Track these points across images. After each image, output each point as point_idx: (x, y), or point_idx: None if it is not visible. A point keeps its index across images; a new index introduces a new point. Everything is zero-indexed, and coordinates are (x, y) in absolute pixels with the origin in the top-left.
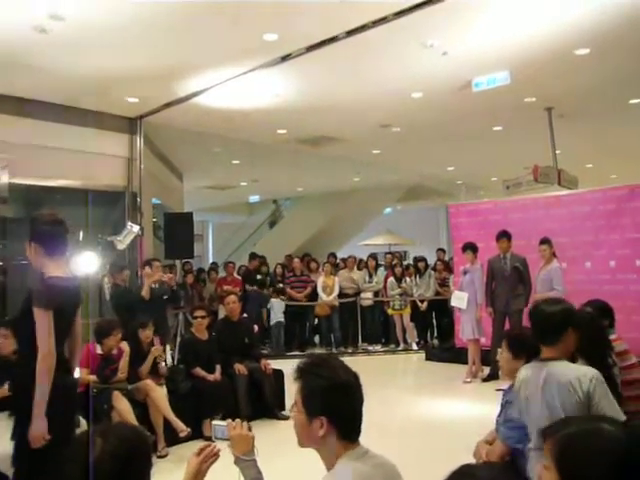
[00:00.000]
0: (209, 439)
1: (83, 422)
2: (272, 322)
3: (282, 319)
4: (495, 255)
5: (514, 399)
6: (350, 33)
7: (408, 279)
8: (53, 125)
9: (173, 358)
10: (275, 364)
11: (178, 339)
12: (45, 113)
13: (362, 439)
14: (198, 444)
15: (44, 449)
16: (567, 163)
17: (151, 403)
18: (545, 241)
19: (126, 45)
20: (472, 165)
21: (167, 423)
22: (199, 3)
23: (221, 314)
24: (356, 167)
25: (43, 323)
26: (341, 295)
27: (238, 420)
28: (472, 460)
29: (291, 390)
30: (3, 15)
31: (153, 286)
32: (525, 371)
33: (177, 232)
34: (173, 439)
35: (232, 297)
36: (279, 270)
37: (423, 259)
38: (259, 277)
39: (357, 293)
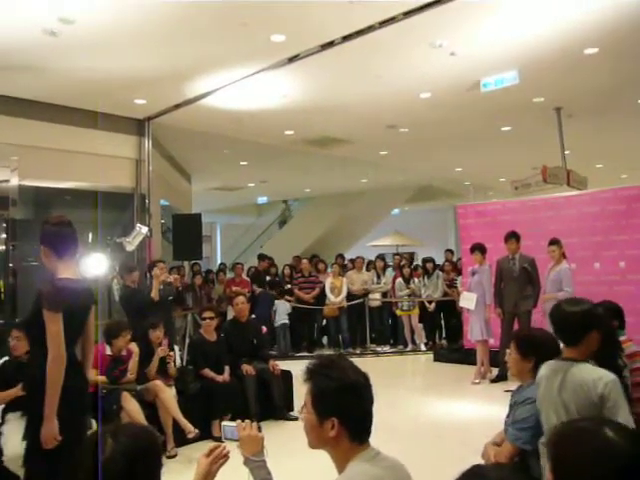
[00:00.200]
0: (218, 440)
1: (94, 423)
2: (276, 324)
3: (287, 321)
4: (504, 256)
5: (526, 398)
6: (358, 34)
7: (416, 280)
8: (62, 127)
9: (182, 359)
10: (282, 365)
11: (187, 340)
12: (54, 115)
13: (371, 440)
14: (207, 445)
15: (56, 450)
16: (576, 163)
17: (160, 404)
18: (554, 242)
19: (134, 47)
20: (480, 166)
21: (176, 423)
22: (206, 5)
23: (230, 315)
24: (364, 168)
25: (53, 325)
26: (349, 296)
27: (248, 421)
28: (480, 461)
29: (300, 391)
30: (13, 18)
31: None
32: (545, 369)
33: (185, 233)
34: (182, 439)
35: (241, 298)
36: (287, 271)
37: (431, 260)
38: (268, 278)
39: (365, 294)
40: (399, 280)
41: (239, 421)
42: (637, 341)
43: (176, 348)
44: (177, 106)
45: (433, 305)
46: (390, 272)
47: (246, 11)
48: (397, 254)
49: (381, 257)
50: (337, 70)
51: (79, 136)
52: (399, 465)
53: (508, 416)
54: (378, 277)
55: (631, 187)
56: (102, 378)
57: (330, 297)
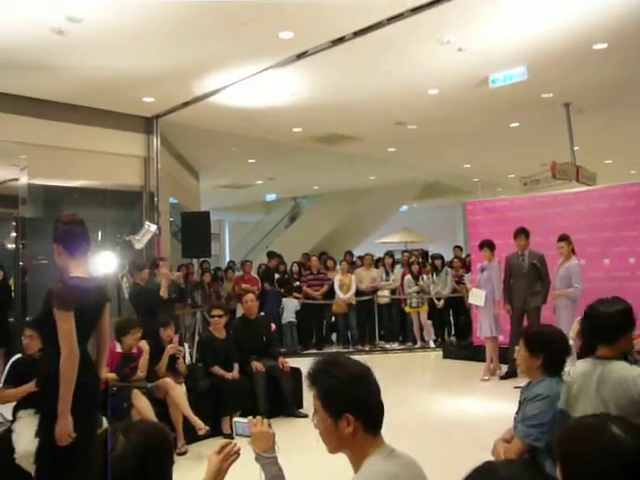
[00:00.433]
0: (228, 436)
1: (105, 421)
2: (284, 321)
3: (294, 319)
4: (513, 252)
5: (536, 394)
6: (366, 30)
7: (425, 277)
8: (70, 126)
9: (191, 356)
10: (291, 362)
11: (196, 338)
12: (62, 114)
13: None
14: (217, 442)
15: (69, 447)
16: (585, 159)
17: (170, 401)
18: (563, 238)
19: (142, 45)
20: (489, 162)
21: (186, 421)
22: (214, 2)
23: (239, 312)
24: (372, 165)
25: (64, 324)
26: (358, 293)
27: (259, 417)
28: (490, 458)
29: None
30: (21, 17)
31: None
32: (580, 367)
33: (194, 231)
34: (192, 437)
35: (250, 295)
36: (295, 268)
37: (440, 257)
38: (277, 276)
39: (374, 291)
40: (408, 277)
41: (250, 417)
42: None
43: (185, 345)
44: (185, 104)
45: (442, 302)
46: (399, 269)
47: (254, 8)
48: (406, 251)
49: (390, 254)
50: (345, 67)
51: (88, 134)
52: (414, 463)
53: (517, 413)
54: (387, 274)
55: None
56: (112, 375)
57: (339, 294)
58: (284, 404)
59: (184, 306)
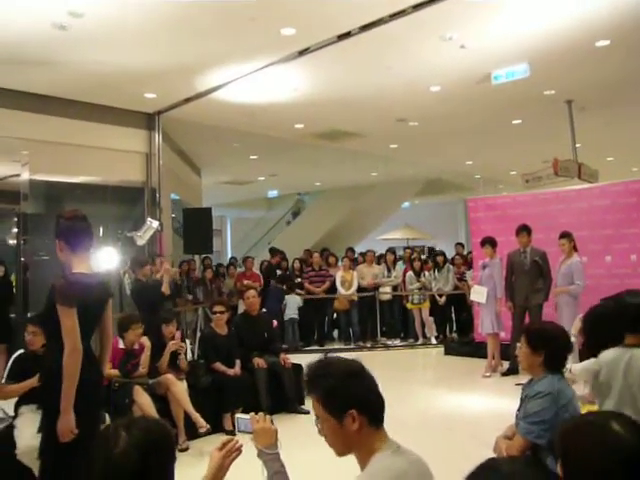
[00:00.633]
0: (230, 433)
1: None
2: (286, 318)
3: (296, 315)
4: (515, 249)
5: (538, 391)
6: (368, 27)
7: (427, 273)
8: (72, 122)
9: (193, 353)
10: (292, 359)
11: (198, 334)
12: (64, 110)
13: None
14: (219, 438)
15: (72, 443)
16: (587, 156)
17: (172, 397)
18: (564, 235)
19: (144, 41)
20: (491, 159)
21: (188, 417)
22: None
23: (241, 309)
24: (374, 162)
25: (67, 320)
26: (360, 290)
27: (261, 413)
28: (491, 455)
29: None
30: (23, 12)
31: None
32: (608, 355)
33: (196, 227)
34: (194, 433)
35: (252, 292)
36: (297, 265)
37: (442, 253)
38: (279, 272)
39: (376, 288)
40: (410, 273)
41: (253, 413)
42: None
43: (187, 342)
44: (187, 100)
45: (444, 298)
46: (400, 266)
47: (256, 5)
48: (408, 247)
49: (391, 250)
50: (347, 63)
51: (89, 130)
52: (421, 460)
53: (519, 410)
54: (388, 270)
55: None
56: (115, 372)
57: (341, 291)
58: (286, 400)
59: (185, 302)
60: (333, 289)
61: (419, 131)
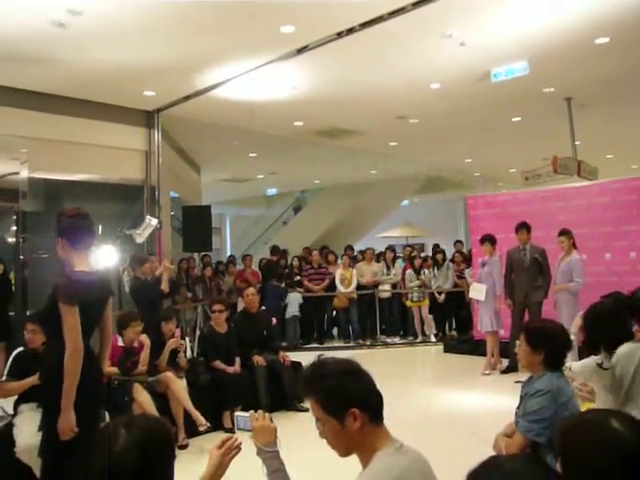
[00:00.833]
0: (229, 431)
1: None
2: (288, 316)
3: (298, 313)
4: (514, 247)
5: (537, 390)
6: (367, 24)
7: (426, 271)
8: (71, 119)
9: (192, 350)
10: (292, 357)
11: (197, 332)
12: (63, 107)
13: None
14: (218, 435)
15: (72, 441)
16: (587, 154)
17: (171, 395)
18: (563, 232)
19: (143, 39)
20: (490, 157)
21: (187, 415)
22: None
23: (240, 307)
24: (373, 159)
25: (69, 318)
26: (359, 288)
27: (261, 411)
28: (491, 452)
29: None
30: (21, 10)
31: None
32: (622, 350)
33: (195, 225)
34: (193, 430)
35: (251, 289)
36: (296, 263)
37: (441, 251)
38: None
39: (375, 285)
40: (409, 271)
41: (252, 411)
42: None
43: (186, 339)
44: (186, 98)
45: (443, 296)
46: (400, 263)
47: (255, 2)
48: (408, 245)
49: (391, 248)
50: (346, 61)
51: (88, 128)
52: (422, 457)
53: (518, 407)
54: (388, 268)
55: None
56: (114, 369)
57: (340, 288)
58: (285, 398)
59: (185, 300)
60: (332, 287)
61: (419, 129)
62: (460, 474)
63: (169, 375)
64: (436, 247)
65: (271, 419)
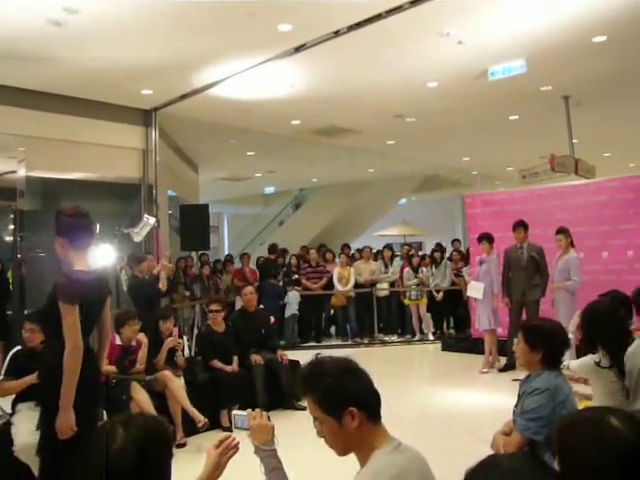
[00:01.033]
0: (227, 429)
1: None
2: (287, 314)
3: (297, 311)
4: (512, 245)
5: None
6: (365, 23)
7: (424, 269)
8: (69, 118)
9: (190, 349)
10: (290, 355)
11: (195, 331)
12: (61, 106)
13: None
14: (216, 434)
15: (70, 440)
16: (584, 152)
17: (169, 394)
18: (561, 231)
19: (140, 37)
20: (488, 155)
21: (185, 413)
22: None
23: (238, 305)
24: (371, 158)
25: (69, 317)
26: (357, 286)
27: (258, 410)
28: (489, 451)
29: None
30: (18, 8)
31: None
32: (632, 345)
33: (193, 224)
34: (191, 429)
35: (249, 288)
36: (294, 261)
37: (441, 249)
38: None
39: (373, 284)
40: (407, 269)
41: (250, 410)
42: None
43: (184, 338)
44: (184, 96)
45: (441, 294)
46: (398, 262)
47: (253, 0)
48: (406, 244)
49: (389, 247)
50: (344, 59)
51: (86, 127)
52: (420, 456)
53: (516, 406)
54: (386, 267)
55: (639, 176)
56: (112, 368)
57: (338, 287)
58: (283, 397)
59: (183, 299)
60: (330, 285)
61: (416, 127)
62: (458, 472)
63: (167, 374)
64: (438, 246)
65: (269, 418)
